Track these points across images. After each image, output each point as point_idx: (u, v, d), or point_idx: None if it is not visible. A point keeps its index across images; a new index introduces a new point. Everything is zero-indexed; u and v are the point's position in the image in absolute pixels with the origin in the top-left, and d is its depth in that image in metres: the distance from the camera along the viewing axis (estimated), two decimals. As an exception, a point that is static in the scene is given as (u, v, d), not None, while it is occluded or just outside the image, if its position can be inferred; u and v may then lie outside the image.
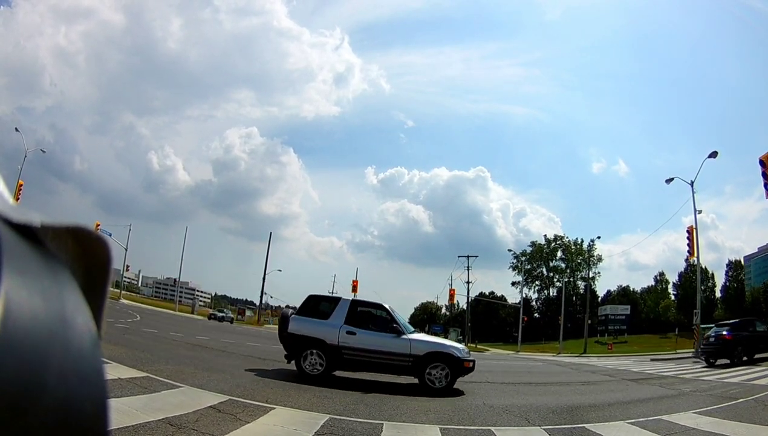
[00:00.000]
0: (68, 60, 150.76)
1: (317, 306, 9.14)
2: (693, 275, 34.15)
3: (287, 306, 9.08)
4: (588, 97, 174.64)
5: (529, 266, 73.77)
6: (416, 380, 8.70)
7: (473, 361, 8.98)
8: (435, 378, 8.44)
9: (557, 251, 75.61)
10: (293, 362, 8.77)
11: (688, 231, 25.86)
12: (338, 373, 9.13)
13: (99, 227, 36.67)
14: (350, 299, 9.35)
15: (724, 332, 17.17)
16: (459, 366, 8.60)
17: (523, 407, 7.23)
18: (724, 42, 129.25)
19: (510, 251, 77.28)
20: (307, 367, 8.47)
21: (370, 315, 9.13)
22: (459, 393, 8.33)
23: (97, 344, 0.32)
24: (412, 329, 9.33)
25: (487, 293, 76.20)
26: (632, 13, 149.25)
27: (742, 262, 66.26)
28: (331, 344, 8.48)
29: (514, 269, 74.50)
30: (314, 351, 8.50)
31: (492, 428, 5.68)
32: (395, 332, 8.76)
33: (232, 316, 50.02)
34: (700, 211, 26.03)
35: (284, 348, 8.83)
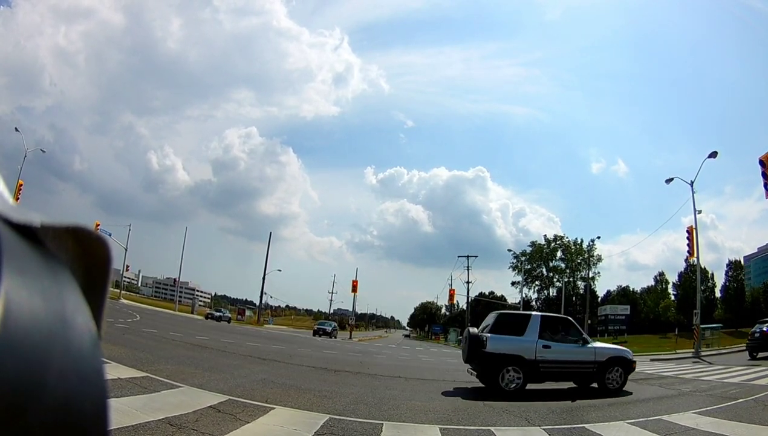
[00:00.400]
0: (68, 60, 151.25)
1: (508, 323, 9.55)
2: (693, 275, 34.14)
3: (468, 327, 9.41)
4: (588, 97, 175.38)
5: (528, 266, 73.52)
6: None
7: (635, 361, 9.84)
8: (613, 380, 9.18)
9: (557, 251, 75.45)
10: (470, 374, 9.41)
11: (687, 231, 25.84)
12: (335, 370, 9.12)
13: (99, 227, 36.66)
14: (540, 314, 9.76)
15: (765, 328, 18.78)
16: (630, 367, 9.51)
17: (523, 407, 7.23)
18: (724, 42, 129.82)
19: (510, 250, 77.20)
20: (505, 383, 8.73)
21: (557, 328, 9.61)
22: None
23: (97, 344, 0.32)
24: (590, 338, 9.90)
25: (486, 293, 76.16)
26: (632, 14, 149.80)
27: (742, 262, 66.18)
28: (529, 359, 8.85)
29: (513, 269, 74.26)
30: (513, 368, 8.78)
31: (492, 428, 5.68)
32: (582, 341, 9.46)
33: (229, 315, 49.86)
34: (699, 212, 26.01)
35: (479, 367, 9.14)
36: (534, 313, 9.94)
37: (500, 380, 8.71)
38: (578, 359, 9.18)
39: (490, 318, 9.69)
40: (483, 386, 9.10)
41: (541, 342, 8.96)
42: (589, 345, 9.35)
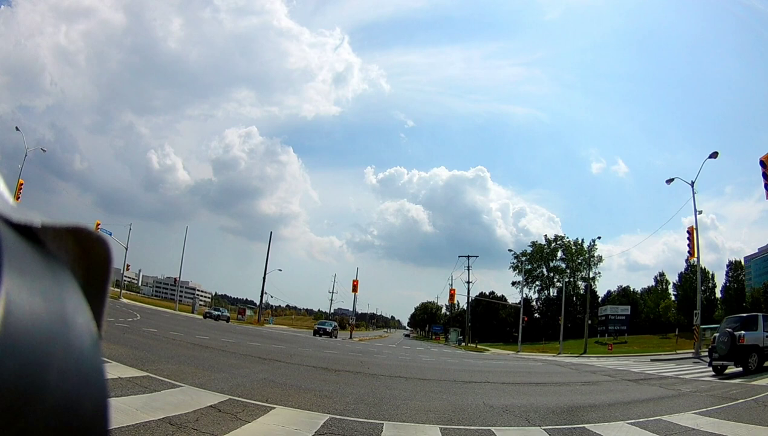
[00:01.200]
0: (69, 59, 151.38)
1: (748, 323, 13.45)
2: (693, 276, 34.11)
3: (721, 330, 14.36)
4: (588, 97, 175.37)
5: (529, 266, 73.50)
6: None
7: None
8: None
9: (557, 251, 75.55)
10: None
11: (688, 232, 25.81)
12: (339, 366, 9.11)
13: (99, 226, 36.69)
14: (762, 314, 13.78)
15: None
16: None
17: (523, 407, 7.23)
18: (724, 42, 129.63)
19: (510, 250, 77.39)
20: (751, 366, 12.68)
21: (766, 322, 13.41)
22: None
23: (98, 344, 0.32)
24: None
25: (487, 293, 76.24)
26: (632, 13, 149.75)
27: (743, 262, 66.11)
28: (761, 346, 12.88)
29: (514, 269, 74.33)
30: (755, 354, 12.80)
31: (492, 428, 5.68)
32: None
33: (228, 314, 49.74)
34: (700, 212, 26.01)
35: (735, 356, 12.87)
36: (759, 314, 13.92)
37: (748, 363, 12.61)
38: None
39: (734, 322, 13.92)
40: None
41: (764, 333, 12.91)
42: None
